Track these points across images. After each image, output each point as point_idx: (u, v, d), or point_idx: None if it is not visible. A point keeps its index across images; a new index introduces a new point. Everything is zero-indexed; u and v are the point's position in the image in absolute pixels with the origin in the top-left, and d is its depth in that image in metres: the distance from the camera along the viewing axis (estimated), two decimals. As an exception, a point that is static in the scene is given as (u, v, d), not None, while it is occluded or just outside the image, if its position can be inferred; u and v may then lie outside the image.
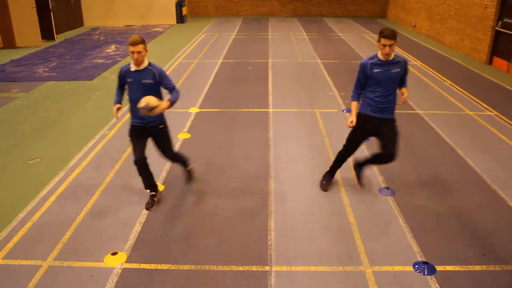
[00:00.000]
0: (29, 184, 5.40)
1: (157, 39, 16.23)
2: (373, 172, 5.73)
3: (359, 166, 5.19)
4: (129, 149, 6.29)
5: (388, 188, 5.28)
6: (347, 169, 5.78)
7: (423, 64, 12.04)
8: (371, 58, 4.62)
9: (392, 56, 4.54)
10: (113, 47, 14.60)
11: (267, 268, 3.91)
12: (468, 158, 6.17)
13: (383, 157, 4.77)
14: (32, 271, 3.85)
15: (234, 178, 5.56)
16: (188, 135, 6.92)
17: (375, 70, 4.57)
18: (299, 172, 5.74)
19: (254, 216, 4.73)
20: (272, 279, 3.78)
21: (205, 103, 8.57)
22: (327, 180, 5.31)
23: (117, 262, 3.96)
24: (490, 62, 12.21)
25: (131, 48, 4.32)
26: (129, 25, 19.87)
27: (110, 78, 10.39)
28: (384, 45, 4.43)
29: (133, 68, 4.48)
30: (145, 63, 4.48)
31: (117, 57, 12.94)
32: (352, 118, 4.73)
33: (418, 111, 8.13)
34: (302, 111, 8.09)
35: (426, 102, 8.69)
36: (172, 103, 4.47)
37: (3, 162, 6.02)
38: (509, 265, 3.96)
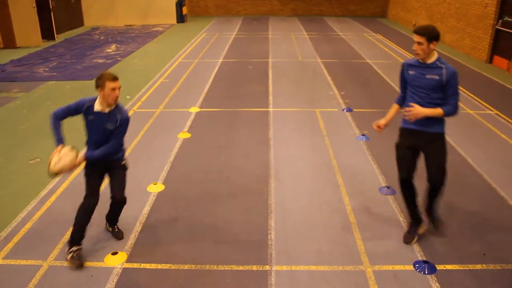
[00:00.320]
0: (30, 184, 5.40)
1: (158, 39, 16.23)
2: (373, 172, 5.73)
3: (429, 213, 4.35)
4: (132, 146, 6.31)
5: (388, 187, 5.28)
6: (346, 169, 5.78)
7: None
8: (413, 59, 4.05)
9: (433, 59, 3.86)
10: (113, 46, 14.60)
11: (267, 267, 3.91)
12: (468, 156, 6.16)
13: (431, 188, 4.13)
14: (32, 271, 3.85)
15: (234, 178, 5.56)
16: (188, 135, 6.91)
17: (410, 72, 4.02)
18: (299, 171, 5.74)
19: (254, 215, 4.73)
20: (273, 278, 3.77)
21: (205, 102, 8.56)
22: (412, 231, 4.34)
23: (117, 262, 3.96)
24: (490, 61, 12.19)
25: (112, 84, 3.70)
26: (130, 25, 19.87)
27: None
28: (414, 42, 3.87)
29: (97, 108, 3.82)
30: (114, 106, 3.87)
31: (117, 56, 12.95)
32: (380, 122, 4.30)
33: (419, 110, 8.11)
34: (302, 111, 8.08)
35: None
36: (90, 157, 3.90)
37: (3, 162, 6.02)
38: (510, 264, 3.96)
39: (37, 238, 4.31)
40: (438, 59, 3.88)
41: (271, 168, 5.80)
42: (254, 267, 3.91)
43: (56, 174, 3.85)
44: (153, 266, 3.93)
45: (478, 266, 3.93)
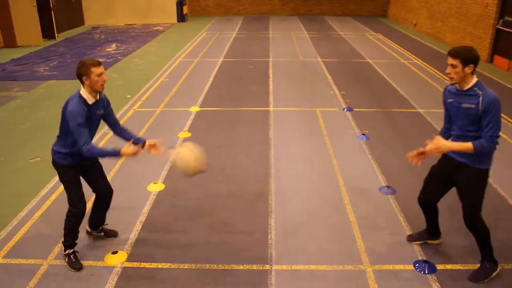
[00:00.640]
0: (30, 183, 5.40)
1: (158, 38, 16.22)
2: (373, 171, 5.73)
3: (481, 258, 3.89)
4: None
5: (388, 187, 5.28)
6: (346, 169, 5.78)
7: (424, 63, 12.02)
8: (453, 85, 3.63)
9: (470, 84, 3.45)
10: (113, 46, 14.60)
11: (267, 267, 3.91)
12: (469, 156, 6.16)
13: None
14: (32, 270, 3.85)
15: (235, 177, 5.56)
16: (188, 134, 6.91)
17: (449, 100, 3.65)
18: (300, 171, 5.74)
19: (255, 215, 4.73)
20: (273, 278, 3.77)
21: (206, 102, 8.56)
22: (420, 234, 4.27)
23: (117, 261, 3.96)
24: (491, 60, 12.19)
25: (98, 69, 3.49)
26: (130, 24, 19.87)
27: (111, 77, 10.38)
28: (447, 64, 3.47)
29: (90, 100, 3.61)
30: None
31: (117, 56, 12.94)
32: (413, 152, 3.81)
33: (419, 110, 8.12)
34: (302, 110, 8.08)
35: (427, 100, 8.67)
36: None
37: (4, 161, 6.02)
38: (510, 264, 3.96)
39: (38, 237, 4.32)
40: (476, 84, 3.44)
41: (271, 168, 5.80)
42: (254, 267, 3.91)
43: (195, 169, 3.80)
44: (153, 265, 3.93)
45: (478, 266, 3.92)
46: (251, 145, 6.54)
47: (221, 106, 8.30)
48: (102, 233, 4.28)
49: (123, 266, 3.92)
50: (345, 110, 8.10)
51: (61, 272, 3.82)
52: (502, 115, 8.09)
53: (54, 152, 3.77)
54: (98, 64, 3.52)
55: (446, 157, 3.78)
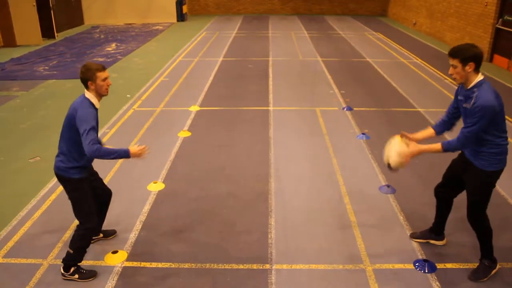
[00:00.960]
0: (29, 183, 5.40)
1: (158, 38, 16.21)
2: (373, 170, 5.73)
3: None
4: (132, 145, 6.31)
5: (388, 186, 5.28)
6: (346, 168, 5.78)
7: (423, 62, 12.02)
8: None
9: (472, 84, 3.38)
10: (113, 45, 14.59)
11: (267, 266, 3.91)
12: (468, 156, 6.16)
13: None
14: (33, 269, 3.85)
15: (235, 176, 5.56)
16: (188, 133, 6.91)
17: (459, 97, 3.58)
18: (300, 170, 5.74)
19: (255, 214, 4.73)
20: (273, 277, 3.78)
21: (206, 101, 8.56)
22: (423, 233, 4.28)
23: (117, 261, 3.96)
24: (490, 59, 12.19)
25: (104, 74, 3.47)
26: (130, 24, 19.86)
27: (111, 76, 10.36)
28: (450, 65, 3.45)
29: (97, 105, 3.54)
30: None
31: (117, 55, 12.94)
32: (409, 135, 3.80)
33: (419, 109, 8.12)
34: (302, 109, 8.08)
35: (427, 100, 8.67)
36: None
37: (3, 161, 6.02)
38: (510, 263, 3.96)
39: (38, 237, 4.32)
40: (476, 84, 3.34)
41: (271, 167, 5.80)
42: (255, 266, 3.91)
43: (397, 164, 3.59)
44: (153, 265, 3.93)
45: (477, 264, 3.93)
46: (251, 144, 6.54)
47: (221, 106, 8.30)
48: (101, 234, 4.27)
49: (123, 265, 3.92)
50: (345, 109, 8.10)
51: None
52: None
53: (64, 169, 3.53)
54: (103, 68, 3.49)
55: (461, 153, 3.77)
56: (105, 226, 4.30)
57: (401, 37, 16.22)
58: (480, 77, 3.38)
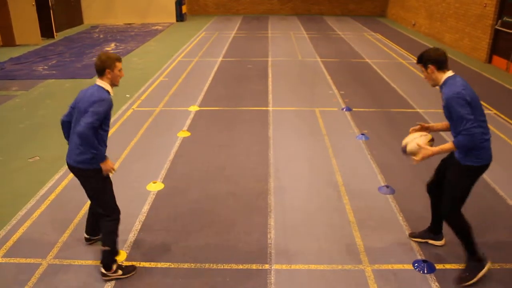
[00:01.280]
0: (29, 182, 5.40)
1: (157, 37, 16.21)
2: (372, 171, 5.73)
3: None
4: (132, 145, 6.31)
5: (387, 187, 5.28)
6: (345, 169, 5.78)
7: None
8: None
9: (440, 84, 3.56)
10: (112, 45, 14.58)
11: (267, 266, 3.91)
12: (467, 156, 6.17)
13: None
14: (32, 269, 3.85)
15: (234, 177, 5.56)
16: (188, 134, 6.91)
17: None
18: (299, 170, 5.74)
19: (254, 214, 4.73)
20: (272, 277, 3.78)
21: (205, 101, 8.56)
22: (421, 232, 4.29)
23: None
24: (489, 60, 12.20)
25: (120, 64, 3.54)
26: (129, 23, 19.85)
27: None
28: None
29: (112, 93, 3.58)
30: None
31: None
32: (425, 124, 3.89)
33: (418, 110, 8.13)
34: (302, 110, 8.09)
35: (425, 100, 8.68)
36: None
37: (2, 161, 6.02)
38: (509, 264, 3.97)
39: (37, 237, 4.31)
40: (443, 83, 3.48)
41: (270, 167, 5.81)
42: (254, 266, 3.91)
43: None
44: (152, 264, 3.93)
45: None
46: (250, 144, 6.54)
47: (221, 106, 8.30)
48: (99, 235, 4.22)
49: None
50: (344, 110, 8.11)
51: (61, 272, 3.82)
52: (502, 115, 8.10)
53: (83, 161, 3.50)
54: (120, 59, 3.55)
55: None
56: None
57: (400, 37, 16.23)
58: (448, 74, 3.50)
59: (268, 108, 8.16)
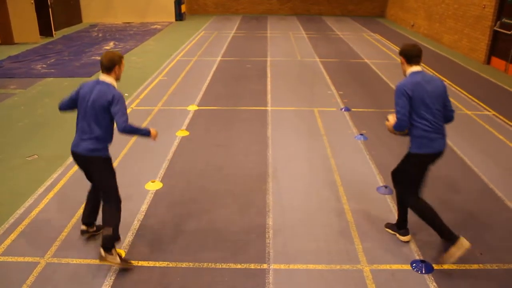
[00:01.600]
0: (27, 181, 5.39)
1: (156, 37, 16.19)
2: (371, 171, 5.74)
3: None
4: (130, 144, 6.31)
5: (386, 187, 5.29)
6: (344, 169, 5.79)
7: (421, 64, 12.04)
8: None
9: (406, 75, 4.02)
10: (111, 44, 14.56)
11: (265, 266, 3.91)
12: (466, 157, 6.18)
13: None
14: (30, 267, 3.84)
15: (233, 176, 5.56)
16: (186, 133, 6.91)
17: None
18: (297, 170, 5.74)
19: (253, 214, 4.73)
20: (270, 277, 3.78)
21: (204, 101, 8.56)
22: (392, 224, 4.48)
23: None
24: (488, 62, 12.23)
25: (124, 61, 3.91)
26: (128, 22, 19.83)
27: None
28: None
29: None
30: None
31: (115, 54, 12.90)
32: None
33: (417, 111, 8.13)
34: (300, 110, 8.09)
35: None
36: None
37: (1, 159, 6.00)
38: (506, 264, 3.98)
39: (35, 235, 4.31)
40: (407, 75, 3.92)
41: (269, 167, 5.81)
42: (252, 266, 3.91)
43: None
44: (150, 264, 3.93)
45: (475, 266, 3.95)
46: (249, 144, 6.54)
47: (219, 105, 8.29)
48: (94, 228, 4.25)
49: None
50: (343, 110, 8.11)
51: (59, 270, 3.82)
52: (500, 116, 8.12)
53: (98, 150, 3.75)
54: (123, 56, 3.90)
55: None
56: (100, 221, 4.29)
57: (399, 38, 16.25)
58: (413, 69, 3.91)
59: (267, 108, 8.17)
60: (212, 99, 8.68)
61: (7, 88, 9.35)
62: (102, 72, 3.78)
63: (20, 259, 3.96)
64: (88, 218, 4.18)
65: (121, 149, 6.18)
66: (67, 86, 9.51)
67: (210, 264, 3.93)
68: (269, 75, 10.61)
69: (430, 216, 3.93)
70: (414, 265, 3.93)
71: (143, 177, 5.46)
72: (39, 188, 5.20)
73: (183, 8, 20.79)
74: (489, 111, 8.17)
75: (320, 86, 9.71)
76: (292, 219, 4.64)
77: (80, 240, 4.22)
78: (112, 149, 3.95)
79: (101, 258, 3.73)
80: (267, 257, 4.03)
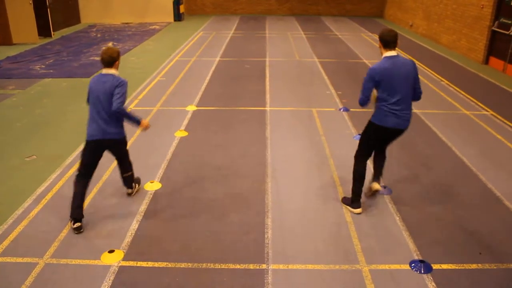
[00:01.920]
0: (26, 181, 5.38)
1: (155, 37, 16.19)
2: (370, 171, 5.74)
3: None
4: (129, 144, 6.29)
5: (385, 187, 5.29)
6: (343, 169, 5.80)
7: (420, 64, 12.06)
8: None
9: (381, 58, 4.54)
10: (110, 44, 14.55)
11: (264, 266, 3.91)
12: (464, 157, 6.20)
13: None
14: (28, 268, 3.84)
15: (231, 176, 5.56)
16: (185, 133, 6.91)
17: None
18: (296, 170, 5.75)
19: (251, 214, 4.73)
20: (269, 277, 3.78)
21: (202, 101, 8.56)
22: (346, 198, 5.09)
23: (114, 260, 3.95)
24: (486, 62, 12.25)
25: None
26: (127, 23, 19.82)
27: (107, 75, 10.34)
28: None
29: None
30: None
31: (114, 54, 12.89)
32: None
33: (415, 110, 8.14)
34: (299, 110, 8.09)
35: (423, 101, 8.66)
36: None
37: (-1, 159, 6.00)
38: (505, 264, 3.99)
39: (34, 236, 4.30)
40: (382, 58, 4.41)
41: (267, 167, 5.81)
42: (251, 266, 3.91)
43: None
44: (150, 264, 3.93)
45: (474, 266, 3.95)
46: (247, 144, 6.54)
47: (218, 106, 8.30)
48: (80, 223, 4.36)
49: (119, 265, 3.91)
50: (342, 110, 8.12)
51: (58, 271, 3.81)
52: (498, 116, 8.14)
53: (118, 132, 4.44)
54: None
55: None
56: (99, 221, 4.30)
57: (398, 38, 16.24)
58: (388, 53, 4.41)
59: (266, 108, 8.17)
60: (211, 99, 8.68)
61: (6, 88, 9.34)
62: (105, 67, 4.35)
63: (19, 259, 3.96)
64: (81, 214, 4.37)
65: (120, 150, 6.17)
66: (66, 87, 9.50)
67: (209, 264, 3.93)
68: (267, 75, 10.61)
69: (356, 179, 4.74)
70: (413, 265, 3.94)
71: (142, 177, 5.45)
72: (38, 188, 5.20)
73: (182, 8, 20.79)
74: (487, 111, 8.19)
75: (319, 86, 9.72)
76: (291, 219, 4.64)
77: (79, 241, 4.22)
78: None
79: (129, 194, 4.96)
80: (266, 257, 4.04)
